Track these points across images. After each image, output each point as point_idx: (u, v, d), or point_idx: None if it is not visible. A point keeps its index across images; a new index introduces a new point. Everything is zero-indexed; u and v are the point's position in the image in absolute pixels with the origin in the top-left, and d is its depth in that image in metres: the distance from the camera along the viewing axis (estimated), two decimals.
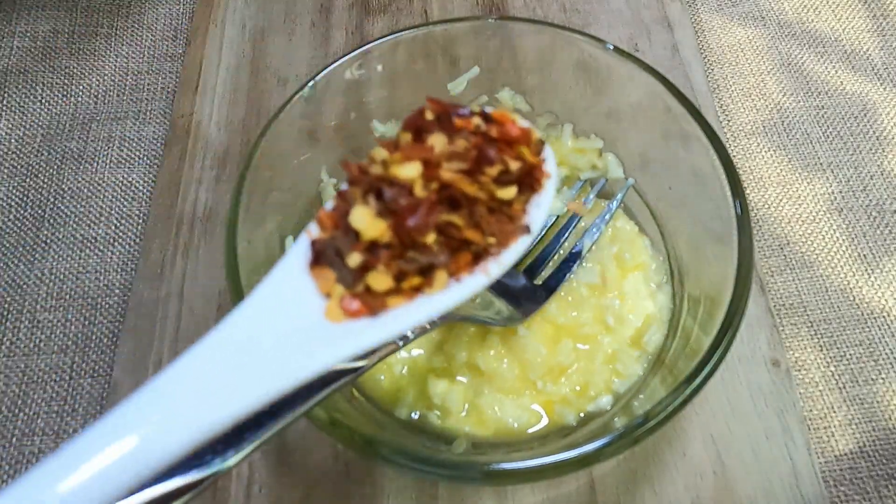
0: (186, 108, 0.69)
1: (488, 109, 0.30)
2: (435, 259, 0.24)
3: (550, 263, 0.53)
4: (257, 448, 0.30)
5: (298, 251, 0.27)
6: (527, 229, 0.27)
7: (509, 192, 0.26)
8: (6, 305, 0.58)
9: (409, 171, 0.24)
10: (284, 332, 0.24)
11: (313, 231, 0.27)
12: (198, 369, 0.24)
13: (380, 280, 0.24)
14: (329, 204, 0.27)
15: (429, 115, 0.27)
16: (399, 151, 0.25)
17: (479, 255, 0.25)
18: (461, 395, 0.49)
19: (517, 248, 0.26)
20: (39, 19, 0.75)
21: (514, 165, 0.26)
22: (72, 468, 0.21)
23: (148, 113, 0.69)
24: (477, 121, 0.27)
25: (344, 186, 0.27)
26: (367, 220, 0.24)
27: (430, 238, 0.24)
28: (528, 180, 0.27)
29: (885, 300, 0.56)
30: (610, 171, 0.56)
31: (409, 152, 0.24)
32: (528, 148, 0.28)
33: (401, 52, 0.54)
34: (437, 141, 0.25)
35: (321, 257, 0.25)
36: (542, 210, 0.28)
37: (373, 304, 0.24)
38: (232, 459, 0.29)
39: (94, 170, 0.66)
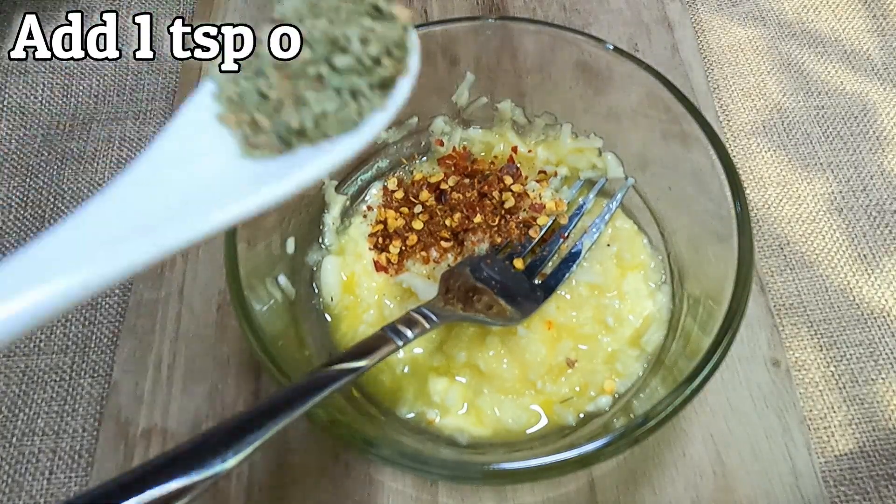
0: None
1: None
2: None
3: (550, 263, 0.53)
4: (257, 449, 0.30)
5: (200, 102, 0.29)
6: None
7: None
8: None
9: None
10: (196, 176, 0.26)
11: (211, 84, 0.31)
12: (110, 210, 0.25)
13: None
14: None
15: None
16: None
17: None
18: (461, 394, 0.49)
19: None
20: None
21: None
22: None
23: (148, 113, 0.69)
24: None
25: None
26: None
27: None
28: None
29: (885, 300, 0.56)
30: (609, 171, 0.56)
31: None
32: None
33: None
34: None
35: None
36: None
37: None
38: (231, 461, 0.29)
39: (94, 170, 0.66)
